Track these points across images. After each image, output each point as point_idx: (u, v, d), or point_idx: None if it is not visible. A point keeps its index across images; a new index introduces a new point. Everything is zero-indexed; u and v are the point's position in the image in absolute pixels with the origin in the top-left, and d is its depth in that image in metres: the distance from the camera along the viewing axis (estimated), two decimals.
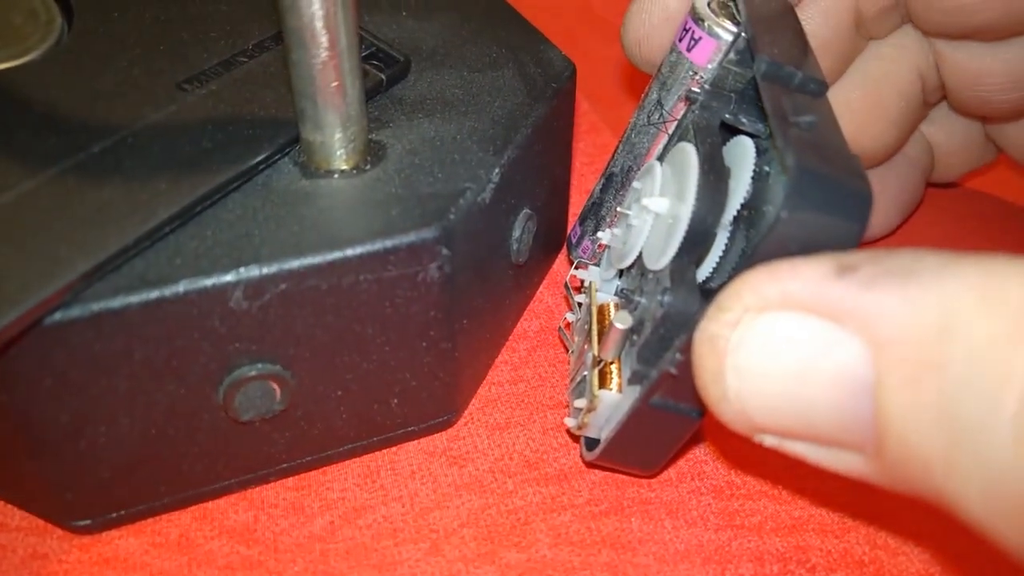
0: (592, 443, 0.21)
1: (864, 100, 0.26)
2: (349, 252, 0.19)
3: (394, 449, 0.23)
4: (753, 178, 0.18)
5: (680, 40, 0.22)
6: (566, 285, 0.25)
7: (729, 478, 0.22)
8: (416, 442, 0.23)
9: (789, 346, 0.14)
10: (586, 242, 0.26)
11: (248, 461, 0.21)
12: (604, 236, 0.22)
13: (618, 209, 0.22)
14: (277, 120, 0.21)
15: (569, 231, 0.25)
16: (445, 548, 0.21)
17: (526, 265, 0.25)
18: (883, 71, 0.26)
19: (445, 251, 0.20)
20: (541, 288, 0.28)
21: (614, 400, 0.20)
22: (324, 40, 0.19)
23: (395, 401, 0.22)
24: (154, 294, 0.17)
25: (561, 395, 0.25)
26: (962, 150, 0.29)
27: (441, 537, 0.21)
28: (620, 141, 0.25)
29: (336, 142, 0.20)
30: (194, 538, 0.21)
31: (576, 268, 0.25)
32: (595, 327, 0.21)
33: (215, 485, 0.21)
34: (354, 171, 0.21)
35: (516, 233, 0.23)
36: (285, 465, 0.22)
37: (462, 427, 0.24)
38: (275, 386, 0.19)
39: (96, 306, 0.17)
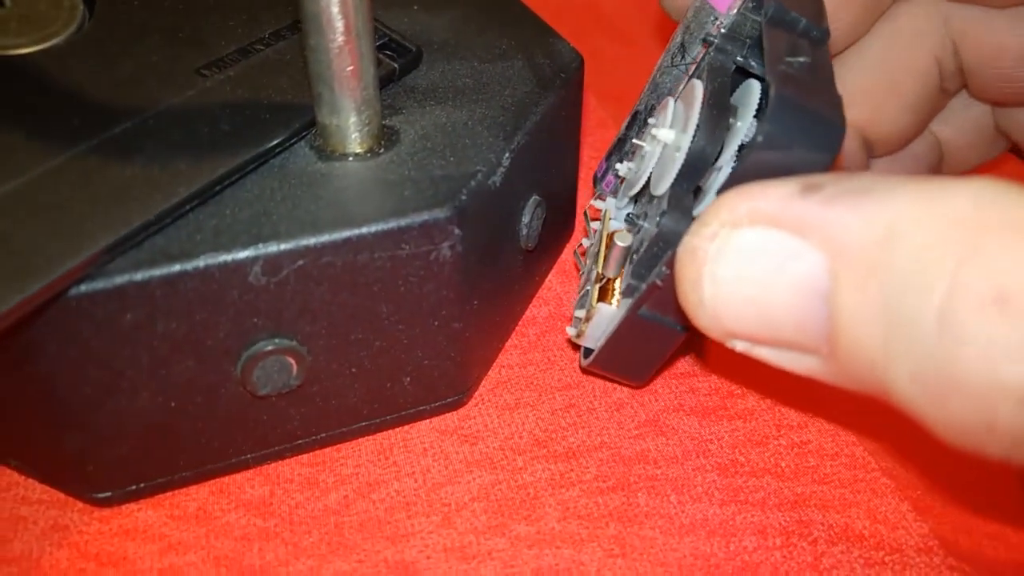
0: (590, 353, 0.23)
1: (881, 84, 0.27)
2: (364, 230, 0.19)
3: (407, 427, 0.23)
4: (756, 118, 0.19)
5: None
6: (585, 214, 0.27)
7: (733, 456, 0.23)
8: (428, 421, 0.24)
9: (758, 256, 0.15)
10: (610, 176, 0.27)
11: (264, 436, 0.22)
12: (621, 168, 0.24)
13: (633, 141, 0.23)
14: (293, 105, 0.21)
15: (597, 168, 0.27)
16: (456, 521, 0.21)
17: (535, 251, 0.26)
18: (900, 56, 0.26)
19: (457, 231, 0.20)
20: (550, 276, 0.28)
21: (611, 313, 0.21)
22: (340, 25, 0.19)
23: (407, 379, 0.22)
24: (175, 268, 0.18)
25: (569, 378, 0.25)
26: (972, 144, 0.29)
27: (453, 511, 0.21)
28: (647, 83, 0.26)
29: (351, 126, 0.21)
30: (212, 511, 0.21)
31: (596, 199, 0.26)
32: (602, 249, 0.23)
33: (232, 460, 0.22)
34: (368, 154, 0.21)
35: (525, 219, 0.24)
36: (300, 441, 0.22)
37: (473, 407, 0.24)
38: (291, 361, 0.20)
39: (119, 279, 0.18)
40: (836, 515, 0.22)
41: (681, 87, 0.24)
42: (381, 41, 0.24)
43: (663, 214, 0.19)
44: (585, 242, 0.26)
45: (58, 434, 0.20)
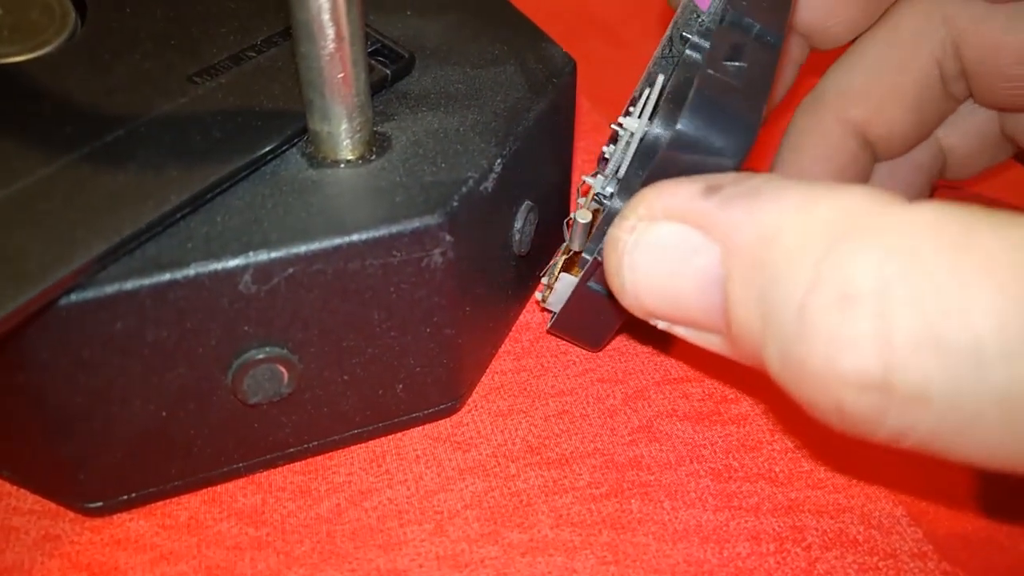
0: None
1: (881, 84, 0.27)
2: (355, 237, 0.19)
3: (399, 435, 0.23)
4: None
5: None
6: (578, 189, 0.28)
7: (727, 461, 0.23)
8: (421, 428, 0.24)
9: (669, 248, 0.17)
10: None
11: (256, 445, 0.21)
12: (607, 150, 0.25)
13: (611, 126, 0.24)
14: (284, 112, 0.21)
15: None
16: (449, 529, 0.21)
17: (528, 257, 0.26)
18: (900, 57, 0.27)
19: (448, 237, 0.20)
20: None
21: (571, 282, 0.24)
22: (331, 33, 0.19)
23: (400, 387, 0.22)
24: (166, 277, 0.18)
25: (563, 383, 0.25)
26: (975, 151, 0.30)
27: (445, 518, 0.21)
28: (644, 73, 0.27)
29: (343, 132, 0.21)
30: (203, 520, 0.21)
31: (587, 176, 0.27)
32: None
33: (224, 469, 0.22)
34: (360, 161, 0.21)
35: (518, 224, 0.24)
36: (292, 449, 0.22)
37: (466, 414, 0.24)
38: (282, 369, 0.20)
39: (110, 288, 0.18)
40: (830, 520, 0.22)
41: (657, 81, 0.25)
42: (373, 47, 0.24)
43: (611, 197, 0.21)
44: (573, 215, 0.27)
45: (49, 444, 0.19)
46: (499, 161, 0.22)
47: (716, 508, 0.22)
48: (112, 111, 0.20)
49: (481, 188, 0.21)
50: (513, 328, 0.27)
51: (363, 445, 0.23)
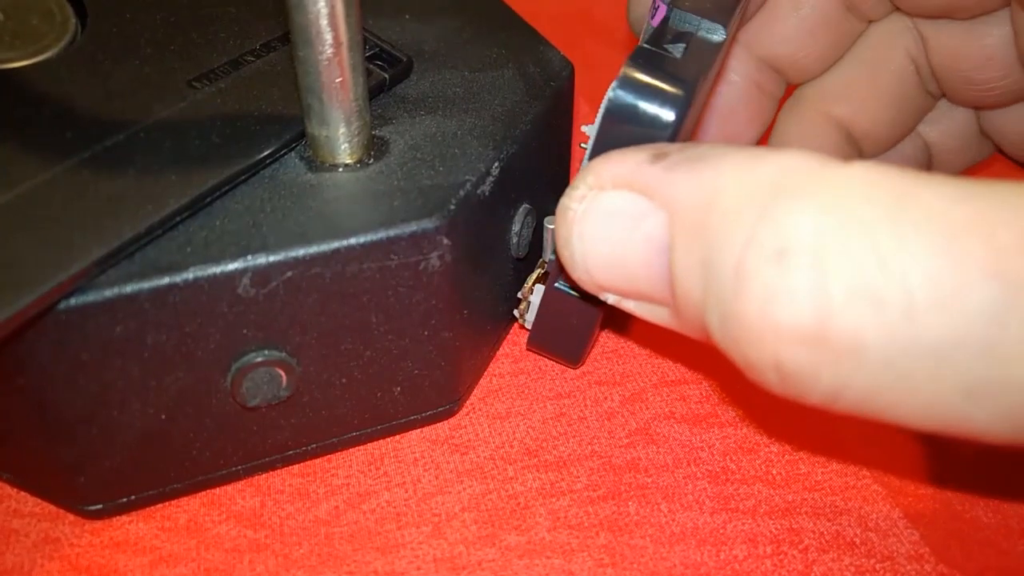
0: None
1: (859, 82, 0.27)
2: (353, 241, 0.19)
3: (398, 437, 0.23)
4: None
5: (650, 11, 0.24)
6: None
7: (724, 463, 0.23)
8: (419, 431, 0.24)
9: (617, 216, 0.17)
10: None
11: (255, 448, 0.22)
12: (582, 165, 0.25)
13: (580, 145, 0.24)
14: (283, 116, 0.21)
15: None
16: (447, 531, 0.21)
17: (526, 260, 0.26)
18: (875, 55, 0.27)
19: (446, 241, 0.20)
20: None
21: (540, 294, 0.24)
22: (329, 37, 0.19)
23: (398, 389, 0.22)
24: (164, 280, 0.18)
25: (561, 386, 0.25)
26: (958, 147, 0.30)
27: (443, 521, 0.21)
28: None
29: (341, 136, 0.21)
30: (202, 522, 0.21)
31: None
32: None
33: (223, 471, 0.22)
34: (358, 165, 0.21)
35: (516, 227, 0.24)
36: (291, 452, 0.22)
37: (464, 416, 0.24)
38: (281, 372, 0.20)
39: (109, 292, 0.18)
40: (827, 522, 0.22)
41: None
42: (372, 51, 0.24)
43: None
44: None
45: (49, 447, 0.20)
46: (496, 165, 0.22)
47: (713, 510, 0.22)
48: (111, 116, 0.21)
49: (479, 192, 0.21)
50: (511, 330, 0.27)
51: (362, 448, 0.23)
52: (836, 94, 0.28)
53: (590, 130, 0.22)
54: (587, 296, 0.22)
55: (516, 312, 0.25)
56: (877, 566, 0.21)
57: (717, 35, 0.21)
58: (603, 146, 0.19)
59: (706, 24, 0.21)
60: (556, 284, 0.23)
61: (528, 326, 0.25)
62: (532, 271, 0.25)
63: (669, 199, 0.16)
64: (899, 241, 0.14)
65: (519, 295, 0.25)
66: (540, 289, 0.24)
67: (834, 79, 0.28)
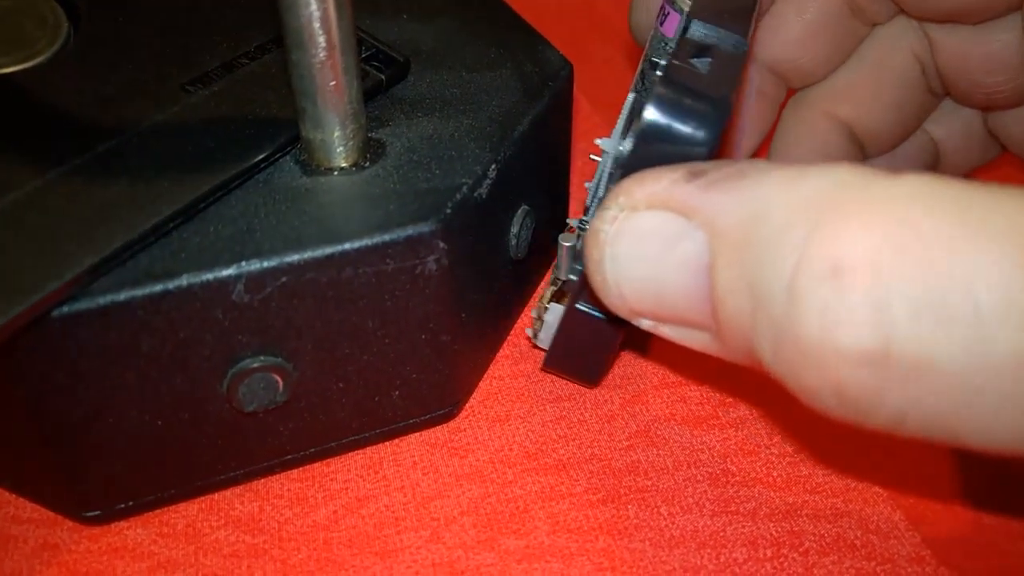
0: None
1: (864, 82, 0.27)
2: (348, 246, 0.19)
3: (396, 441, 0.23)
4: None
5: (657, 18, 0.24)
6: (566, 227, 0.28)
7: (724, 466, 0.23)
8: (418, 434, 0.24)
9: (652, 237, 0.17)
10: None
11: (252, 453, 0.21)
12: (588, 184, 0.24)
13: (590, 157, 0.24)
14: (278, 120, 0.21)
15: None
16: (445, 535, 0.21)
17: (525, 261, 0.26)
18: (880, 55, 0.27)
19: (443, 245, 0.20)
20: (542, 285, 0.28)
21: (559, 311, 0.23)
22: (322, 40, 0.19)
23: (396, 393, 0.22)
24: (158, 287, 0.18)
25: (561, 389, 0.25)
26: (963, 147, 0.30)
27: (442, 525, 0.21)
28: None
29: (336, 140, 0.21)
30: (200, 528, 0.21)
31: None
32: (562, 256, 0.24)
33: (220, 476, 0.22)
34: (353, 168, 0.21)
35: (514, 229, 0.24)
36: (289, 457, 0.22)
37: (463, 420, 0.24)
38: (277, 378, 0.20)
39: (103, 299, 0.18)
40: (828, 525, 0.22)
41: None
42: (368, 52, 0.24)
43: (593, 215, 0.21)
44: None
45: (46, 454, 0.20)
46: (494, 167, 0.22)
47: (713, 513, 0.22)
48: (105, 121, 0.21)
49: (476, 194, 0.21)
50: (511, 333, 0.27)
51: (360, 452, 0.23)
52: (839, 95, 0.27)
53: (606, 144, 0.21)
54: (612, 317, 0.21)
55: (529, 331, 0.24)
56: (878, 568, 0.21)
57: (739, 46, 0.20)
58: (635, 167, 0.18)
59: (725, 35, 0.20)
60: (578, 305, 0.22)
61: (542, 345, 0.24)
62: (530, 278, 0.24)
63: (709, 217, 0.16)
64: (964, 252, 0.13)
65: (532, 314, 0.24)
66: (556, 308, 0.23)
67: (837, 80, 0.27)
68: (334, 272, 0.19)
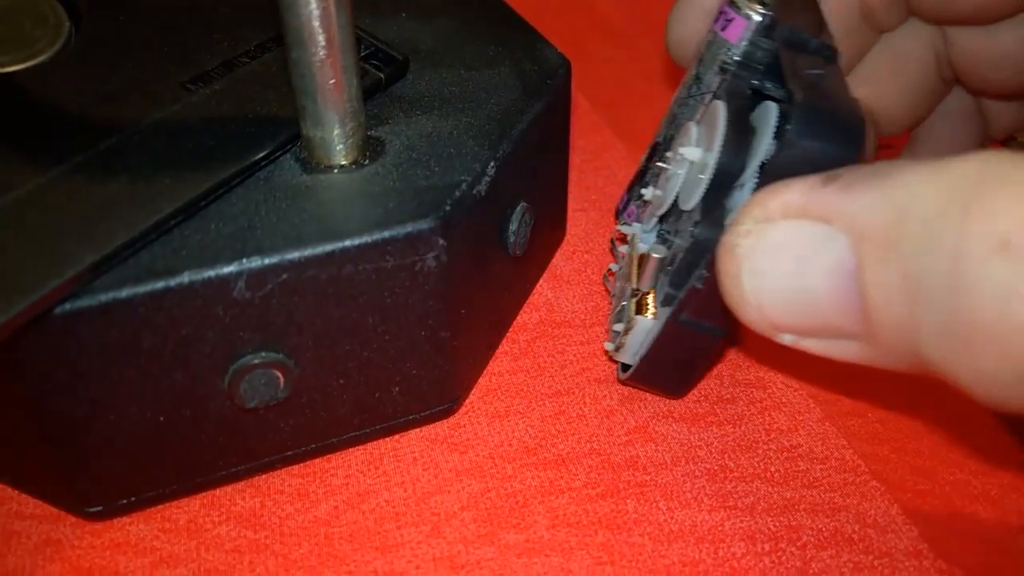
0: (626, 368, 0.24)
1: (883, 69, 0.28)
2: (348, 243, 0.19)
3: (397, 437, 0.24)
4: (775, 136, 0.20)
5: (716, 23, 0.24)
6: (612, 240, 0.28)
7: (723, 461, 0.23)
8: (418, 430, 0.24)
9: (791, 246, 0.16)
10: (631, 207, 0.28)
11: (254, 449, 0.22)
12: (647, 193, 0.25)
13: (658, 164, 0.24)
14: (278, 118, 0.21)
15: (619, 202, 0.29)
16: (446, 530, 0.21)
17: (525, 258, 0.26)
18: (898, 45, 0.28)
19: (442, 242, 0.20)
20: (541, 282, 0.29)
21: (648, 325, 0.23)
22: (321, 39, 0.19)
23: (396, 389, 0.22)
24: (160, 284, 0.18)
25: (560, 384, 0.25)
26: (950, 125, 0.31)
27: (442, 520, 0.22)
28: (664, 116, 0.27)
29: (335, 138, 0.21)
30: (202, 523, 0.21)
31: (621, 225, 0.27)
32: (634, 268, 0.24)
33: (222, 472, 0.22)
34: (353, 166, 0.21)
35: (513, 226, 0.24)
36: (290, 453, 0.22)
37: (463, 415, 0.24)
38: (278, 374, 0.20)
39: (104, 296, 0.18)
40: (825, 519, 0.22)
41: (699, 113, 0.25)
42: (368, 51, 0.24)
43: (696, 224, 0.21)
44: (613, 267, 0.27)
45: (48, 450, 0.20)
46: (492, 164, 0.22)
47: (711, 508, 0.22)
48: (106, 119, 0.21)
49: (475, 192, 0.21)
50: (510, 329, 0.27)
51: (361, 448, 0.23)
52: (859, 78, 0.28)
53: (691, 153, 0.22)
54: (716, 330, 0.21)
55: (609, 345, 0.24)
56: (875, 562, 0.21)
57: (827, 51, 0.20)
58: (772, 178, 0.18)
59: (815, 43, 0.20)
60: (681, 317, 0.21)
61: (621, 359, 0.24)
62: (529, 275, 0.24)
63: (852, 219, 0.15)
64: None
65: (615, 328, 0.24)
66: (643, 321, 0.22)
67: (857, 72, 0.28)
68: (334, 269, 0.19)
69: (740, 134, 0.21)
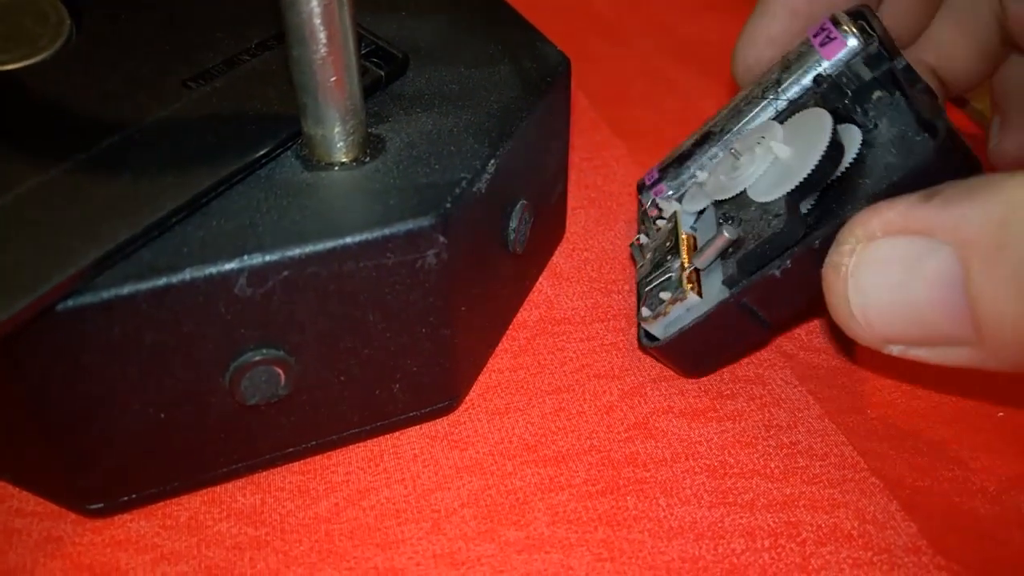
0: (650, 338, 0.25)
1: (949, 34, 0.29)
2: (349, 240, 0.19)
3: (397, 434, 0.24)
4: (855, 159, 0.22)
5: (815, 36, 0.25)
6: (644, 212, 0.29)
7: (722, 458, 0.23)
8: (418, 427, 0.24)
9: (895, 262, 0.17)
10: (661, 185, 0.28)
11: (255, 446, 0.22)
12: (701, 176, 0.26)
13: (731, 151, 0.25)
14: (279, 115, 0.21)
15: (644, 177, 0.29)
16: (446, 527, 0.21)
17: (525, 255, 0.26)
18: (963, 12, 0.29)
19: (442, 239, 0.20)
20: (541, 279, 0.29)
21: (696, 301, 0.23)
22: (322, 36, 0.19)
23: (397, 386, 0.22)
24: (161, 281, 0.18)
25: (560, 381, 0.25)
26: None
27: (442, 516, 0.22)
28: (725, 107, 0.27)
29: (336, 135, 0.21)
30: (203, 520, 0.21)
31: (660, 199, 0.28)
32: (682, 243, 0.25)
33: (223, 469, 0.22)
34: (354, 163, 0.21)
35: (513, 224, 0.24)
36: (291, 450, 0.22)
37: (463, 412, 0.24)
38: (279, 371, 0.20)
39: (106, 293, 0.18)
40: (825, 516, 0.22)
41: (766, 115, 0.26)
42: (368, 49, 0.24)
43: (777, 217, 0.22)
44: (642, 238, 0.28)
45: (50, 447, 0.20)
46: (492, 162, 0.22)
47: (711, 504, 0.22)
48: (107, 117, 0.21)
49: (475, 189, 0.21)
50: (510, 326, 0.27)
51: (361, 445, 0.23)
52: (926, 44, 0.29)
53: (781, 150, 0.23)
54: (767, 322, 0.23)
55: (647, 311, 0.24)
56: (875, 558, 0.21)
57: (903, 63, 0.22)
58: (890, 194, 0.19)
59: (923, 83, 0.22)
60: (744, 301, 0.22)
61: (655, 330, 0.24)
62: (529, 271, 0.24)
63: (955, 231, 0.16)
64: None
65: (662, 296, 0.24)
66: (693, 297, 0.23)
67: (928, 36, 0.29)
68: (335, 266, 0.19)
69: (836, 151, 0.22)
